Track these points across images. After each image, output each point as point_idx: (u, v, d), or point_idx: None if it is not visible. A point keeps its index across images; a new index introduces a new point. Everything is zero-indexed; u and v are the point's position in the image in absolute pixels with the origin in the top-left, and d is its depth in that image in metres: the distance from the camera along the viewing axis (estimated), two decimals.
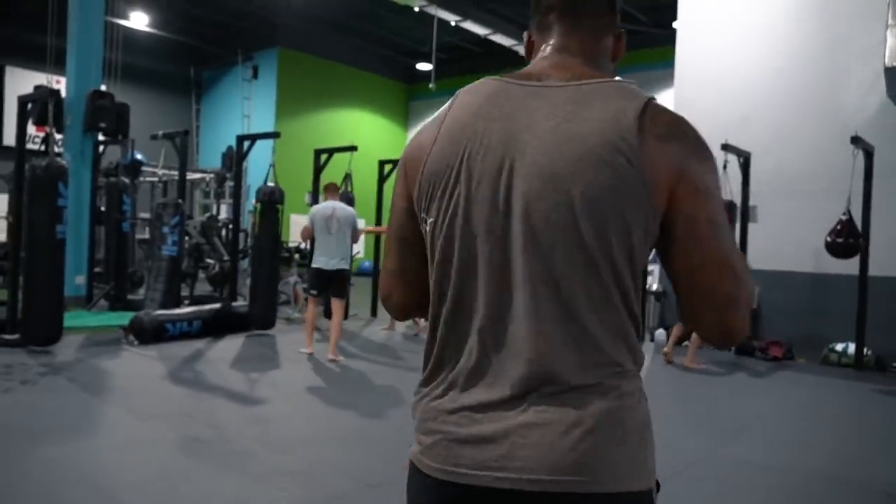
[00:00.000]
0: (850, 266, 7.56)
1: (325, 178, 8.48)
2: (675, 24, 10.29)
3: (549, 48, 1.09)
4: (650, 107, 0.97)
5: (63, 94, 8.90)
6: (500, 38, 14.03)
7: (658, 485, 0.98)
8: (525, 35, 1.16)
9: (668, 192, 0.95)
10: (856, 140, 7.22)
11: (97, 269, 9.89)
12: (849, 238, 7.19)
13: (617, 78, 1.02)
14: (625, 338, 0.96)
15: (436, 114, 1.09)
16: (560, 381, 0.92)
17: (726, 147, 7.80)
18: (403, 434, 4.07)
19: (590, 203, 0.92)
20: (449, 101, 1.08)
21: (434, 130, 1.05)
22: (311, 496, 3.29)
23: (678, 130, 0.98)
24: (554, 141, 0.95)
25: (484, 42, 14.57)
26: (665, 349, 7.69)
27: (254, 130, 13.91)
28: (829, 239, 7.29)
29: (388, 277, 1.16)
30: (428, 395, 1.02)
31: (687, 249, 0.97)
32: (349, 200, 8.92)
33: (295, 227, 14.16)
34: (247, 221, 12.47)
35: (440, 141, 1.03)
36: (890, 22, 7.96)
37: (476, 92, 1.05)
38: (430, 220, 1.03)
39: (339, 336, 6.74)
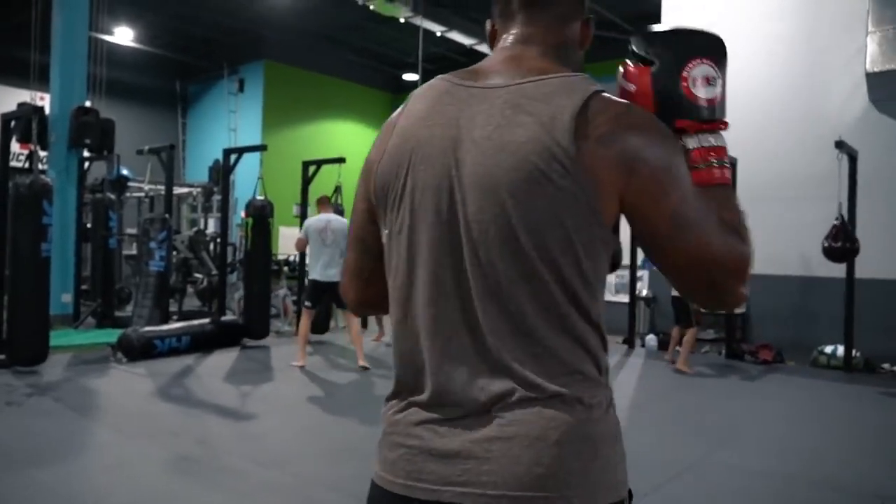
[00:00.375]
0: (838, 269, 7.61)
1: (314, 189, 8.45)
2: None
3: (509, 38, 1.04)
4: (591, 103, 0.90)
5: (47, 110, 8.84)
6: (485, 48, 14.11)
7: (630, 494, 0.96)
8: (488, 24, 1.10)
9: (616, 198, 0.90)
10: (840, 144, 7.29)
11: (84, 287, 9.79)
12: (845, 242, 7.25)
13: (568, 73, 0.95)
14: (583, 344, 0.92)
15: (388, 119, 1.06)
16: (521, 393, 0.89)
17: None
18: None
19: (526, 214, 0.89)
20: (402, 106, 1.05)
21: (384, 140, 1.03)
22: None
23: (621, 126, 0.90)
24: (491, 149, 0.91)
25: (470, 52, 14.64)
26: (667, 357, 7.73)
27: (240, 143, 13.86)
28: (826, 244, 7.33)
29: (347, 274, 1.16)
30: (393, 407, 1.00)
31: (656, 253, 0.94)
32: (340, 213, 8.91)
33: (283, 239, 14.10)
34: (235, 235, 12.41)
35: (389, 150, 1.00)
36: (870, 28, 8.07)
37: (424, 96, 1.02)
38: (385, 232, 1.02)
39: (361, 343, 6.99)
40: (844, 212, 7.43)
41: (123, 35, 15.62)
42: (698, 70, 1.00)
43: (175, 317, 9.00)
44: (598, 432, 0.91)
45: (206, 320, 8.05)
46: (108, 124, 9.18)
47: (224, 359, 7.24)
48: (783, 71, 8.94)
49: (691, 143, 0.99)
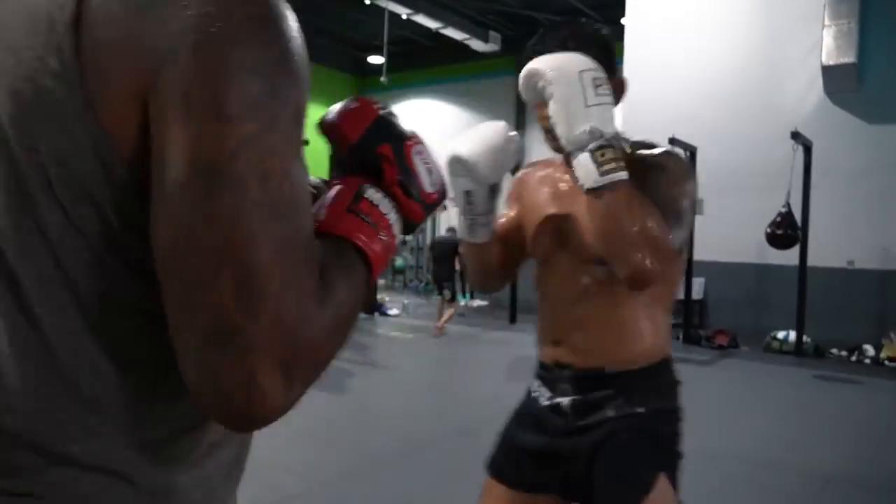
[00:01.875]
0: (791, 257, 7.83)
1: None
2: (623, 21, 10.45)
3: None
4: None
5: None
6: (451, 32, 14.05)
7: None
8: None
9: (136, 108, 0.49)
10: (795, 135, 7.48)
11: None
12: (788, 230, 7.46)
13: None
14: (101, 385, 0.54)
15: None
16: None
17: (673, 141, 7.98)
18: (356, 430, 3.98)
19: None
20: None
21: None
22: (261, 497, 3.24)
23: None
24: None
25: (435, 36, 14.57)
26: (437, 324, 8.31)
27: None
28: (769, 230, 7.55)
29: None
30: None
31: (153, 225, 0.50)
32: None
33: None
34: None
35: None
36: (826, 22, 8.27)
37: None
38: None
39: None
40: (798, 200, 7.64)
41: None
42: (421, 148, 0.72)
43: None
44: None
45: None
46: None
47: None
48: (742, 63, 9.11)
49: (370, 192, 0.66)
